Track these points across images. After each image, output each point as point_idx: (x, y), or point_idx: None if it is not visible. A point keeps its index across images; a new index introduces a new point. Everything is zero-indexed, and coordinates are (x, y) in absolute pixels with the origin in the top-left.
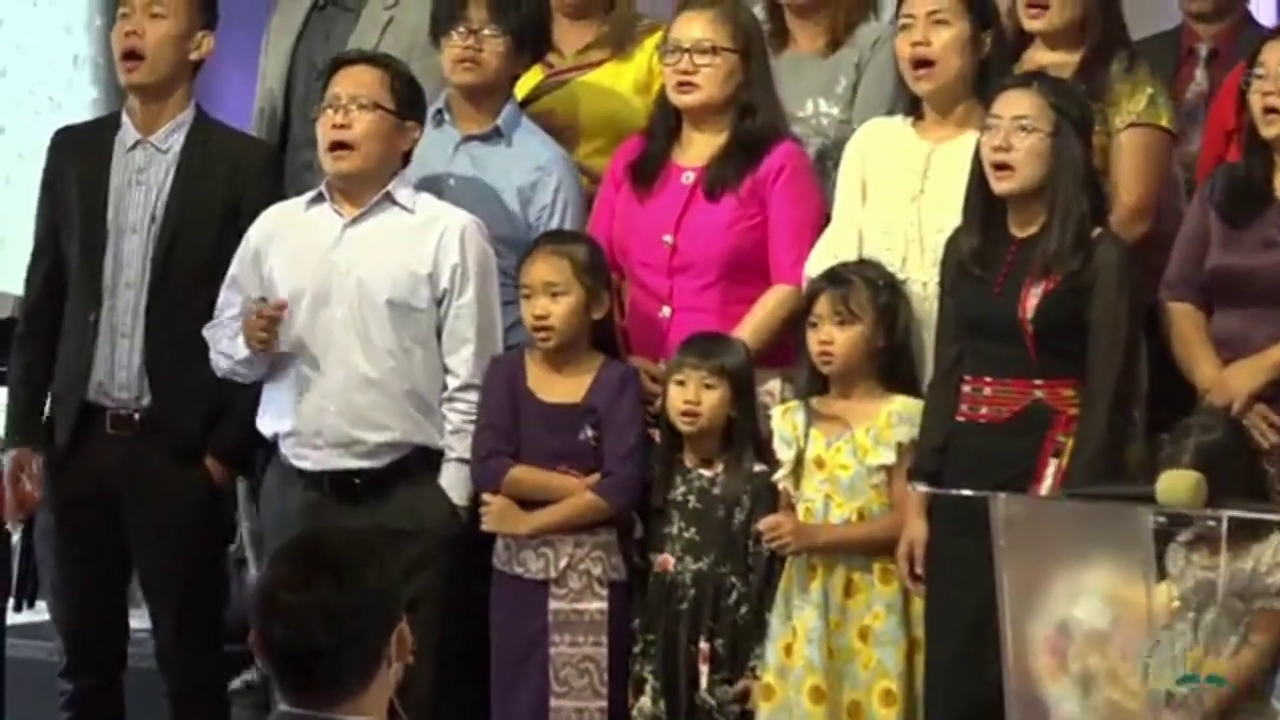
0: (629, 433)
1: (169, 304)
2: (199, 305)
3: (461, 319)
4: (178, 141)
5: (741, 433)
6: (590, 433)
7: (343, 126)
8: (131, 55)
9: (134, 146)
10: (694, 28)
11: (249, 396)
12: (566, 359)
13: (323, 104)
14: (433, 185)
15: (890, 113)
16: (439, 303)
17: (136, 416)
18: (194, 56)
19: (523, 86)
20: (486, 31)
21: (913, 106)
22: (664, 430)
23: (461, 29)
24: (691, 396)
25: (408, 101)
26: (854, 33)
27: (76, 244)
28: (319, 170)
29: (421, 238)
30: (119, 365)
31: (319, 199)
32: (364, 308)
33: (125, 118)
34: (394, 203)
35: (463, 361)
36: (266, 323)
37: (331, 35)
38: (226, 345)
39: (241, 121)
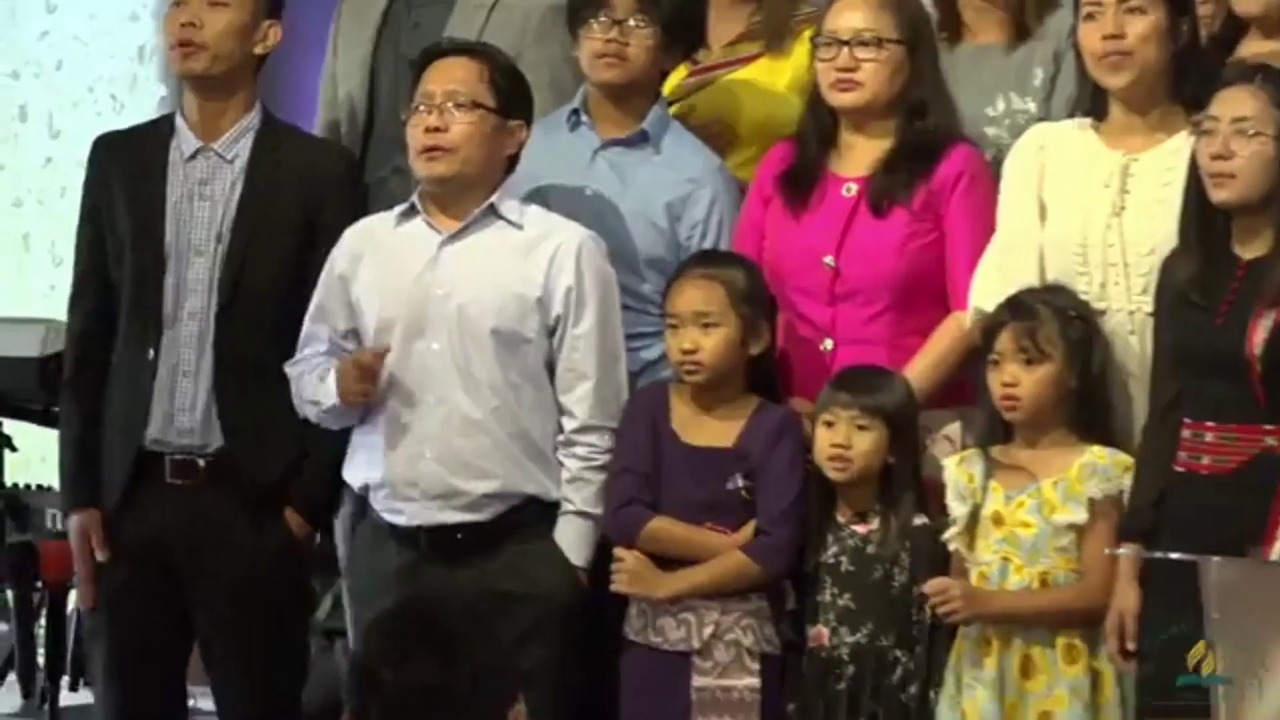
0: (787, 486)
1: (238, 335)
2: (271, 336)
3: (578, 350)
4: (244, 149)
5: (900, 481)
6: (741, 482)
7: (437, 129)
8: (187, 44)
9: (194, 155)
10: (853, 16)
11: (335, 439)
12: (717, 398)
13: (413, 103)
14: (567, 197)
15: (1068, 113)
16: (551, 332)
17: (202, 463)
18: (259, 50)
19: (666, 87)
20: (633, 22)
21: (1094, 108)
22: (814, 481)
23: (604, 18)
24: (841, 439)
25: (511, 97)
26: (1044, 22)
27: (129, 270)
28: (413, 179)
29: (530, 256)
30: (180, 407)
31: (411, 212)
32: (465, 338)
33: (180, 121)
34: (498, 216)
35: (580, 400)
36: (363, 373)
37: (422, 24)
38: (313, 389)
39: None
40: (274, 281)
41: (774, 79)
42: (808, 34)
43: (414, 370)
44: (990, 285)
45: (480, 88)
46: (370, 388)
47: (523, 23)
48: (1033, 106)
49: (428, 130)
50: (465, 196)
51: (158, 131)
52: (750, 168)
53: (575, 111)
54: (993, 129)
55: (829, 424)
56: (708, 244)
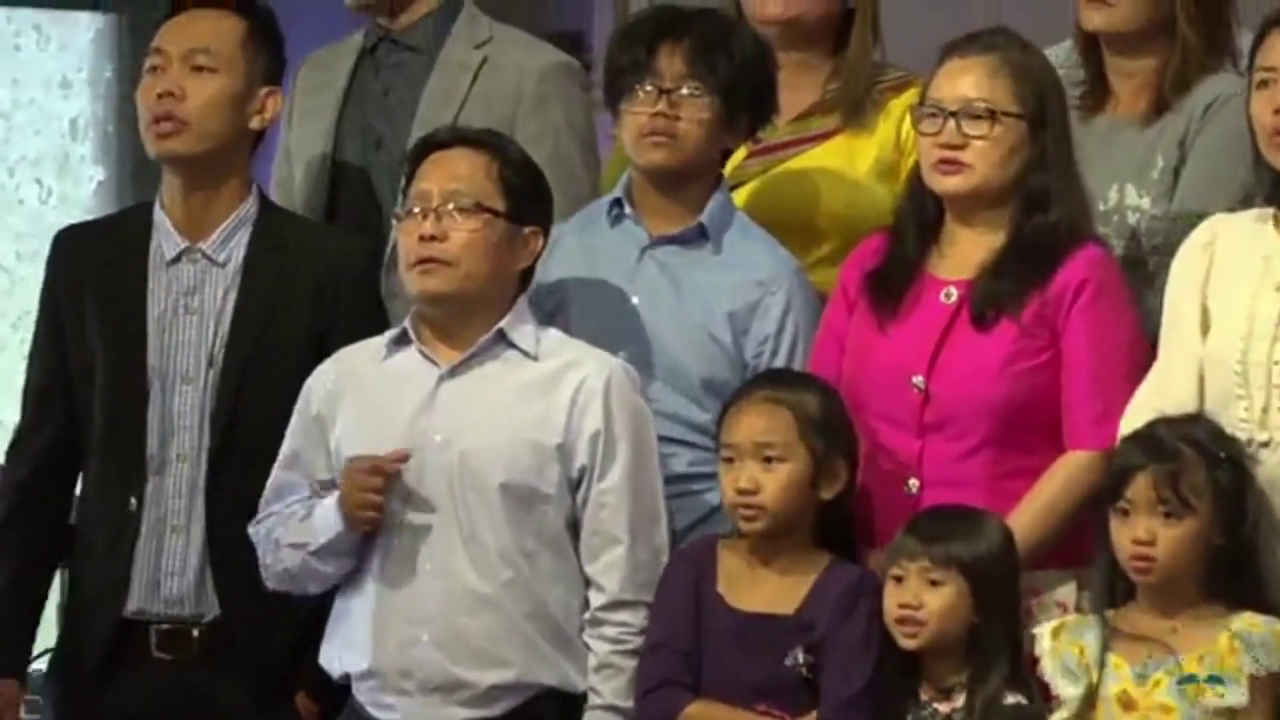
0: (859, 666)
1: (237, 481)
2: None
3: (607, 508)
4: (238, 247)
5: (988, 648)
6: (802, 658)
7: (434, 238)
8: (167, 119)
9: (178, 258)
10: (963, 83)
11: None
12: (778, 552)
13: (405, 204)
14: (607, 308)
15: (1237, 205)
16: (575, 486)
17: (195, 634)
18: (255, 124)
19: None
20: (686, 90)
21: (1274, 193)
22: (890, 650)
23: (650, 87)
24: (910, 598)
25: (526, 198)
26: (1188, 92)
27: (103, 402)
28: (392, 280)
29: (549, 394)
30: (169, 570)
31: (402, 340)
32: (469, 494)
33: (160, 214)
34: (509, 345)
35: (610, 569)
36: (381, 481)
37: (393, 90)
38: (294, 531)
39: None
40: (279, 414)
41: (854, 161)
42: (895, 103)
43: (407, 534)
44: (1142, 413)
45: (487, 186)
46: (382, 500)
47: (517, 85)
48: (1146, 203)
49: (423, 239)
50: (469, 321)
51: (132, 226)
52: (824, 268)
53: (617, 202)
54: (1100, 226)
55: (897, 579)
56: (779, 363)
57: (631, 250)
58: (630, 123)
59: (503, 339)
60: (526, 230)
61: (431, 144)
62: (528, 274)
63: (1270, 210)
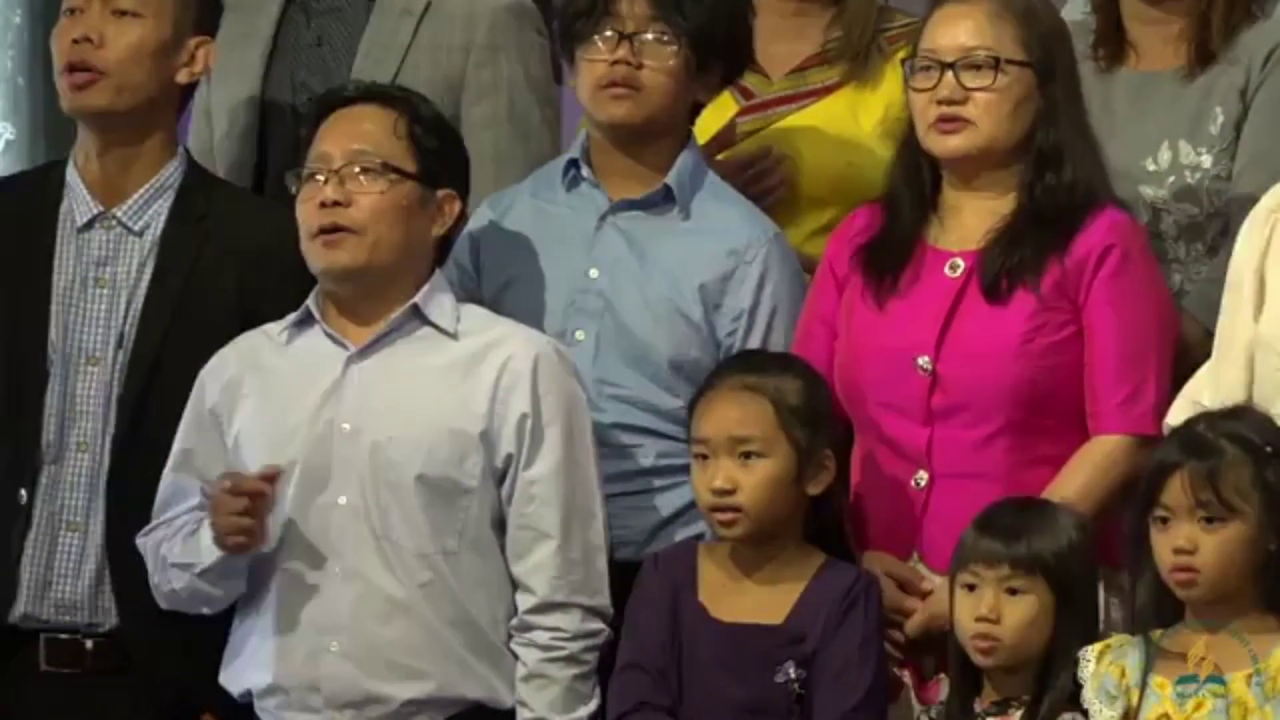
0: (856, 677)
1: (145, 475)
2: None
3: (536, 501)
4: (158, 216)
5: (1062, 662)
6: (793, 673)
7: (337, 203)
8: (82, 69)
9: (90, 224)
10: (961, 30)
11: None
12: (763, 555)
13: (305, 168)
14: (563, 281)
15: None
16: (501, 478)
17: (90, 645)
18: (183, 78)
19: (704, 128)
20: (650, 35)
21: None
22: (954, 663)
23: (610, 32)
24: (986, 611)
25: (439, 158)
26: (1235, 40)
27: None
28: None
29: (470, 376)
30: (61, 571)
31: (306, 321)
32: (381, 489)
33: (73, 175)
34: (424, 322)
35: (538, 568)
36: (248, 502)
37: (327, 39)
38: (180, 549)
39: None
40: None
41: (858, 117)
42: (902, 56)
43: (314, 534)
44: (1189, 407)
45: (395, 145)
46: (253, 523)
47: (465, 32)
48: (1207, 161)
49: (324, 205)
50: (379, 296)
51: (41, 187)
52: (822, 240)
53: (573, 163)
54: (1151, 188)
55: (969, 587)
56: (754, 341)
57: (590, 217)
58: (588, 72)
59: (417, 315)
60: (440, 194)
61: (332, 101)
62: (445, 244)
63: None
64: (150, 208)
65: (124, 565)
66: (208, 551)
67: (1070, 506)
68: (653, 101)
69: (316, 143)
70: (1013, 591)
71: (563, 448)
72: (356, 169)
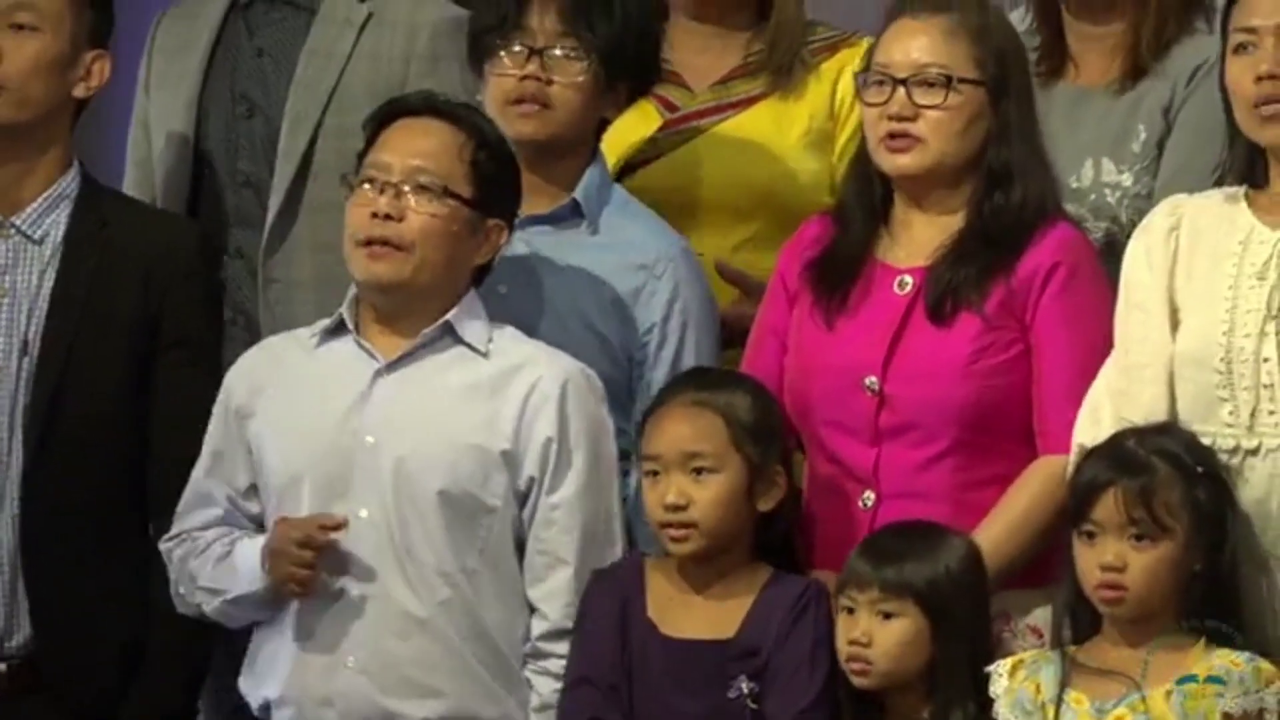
0: (805, 684)
1: (53, 485)
2: (99, 485)
3: (556, 526)
4: (58, 224)
5: (950, 686)
6: (746, 687)
7: (389, 217)
8: None
9: None
10: (915, 45)
11: (185, 630)
12: (714, 572)
13: (361, 172)
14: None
15: (1215, 181)
16: (523, 499)
17: (3, 668)
18: (79, 91)
19: (619, 141)
20: (559, 51)
21: (1249, 172)
22: (844, 686)
23: (519, 46)
24: (859, 633)
25: (495, 187)
26: (1167, 56)
27: None
28: (256, 266)
29: (497, 396)
30: None
31: (338, 329)
32: (404, 504)
33: None
34: (457, 340)
35: (555, 594)
36: (312, 555)
37: (267, 51)
38: (210, 573)
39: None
40: (102, 408)
41: (783, 129)
42: (826, 68)
43: (333, 547)
44: (1102, 419)
45: (457, 169)
46: (311, 574)
47: (408, 43)
48: (1127, 180)
49: (375, 216)
50: (414, 311)
51: None
52: (750, 252)
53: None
54: (1073, 205)
55: (848, 610)
56: (666, 355)
57: None
58: (496, 87)
59: (450, 333)
60: (490, 223)
61: (399, 108)
62: (483, 270)
63: (1242, 189)
64: (49, 216)
65: (35, 581)
66: (245, 582)
67: (962, 532)
68: (561, 118)
69: (377, 149)
70: (886, 615)
71: (586, 474)
72: (414, 185)
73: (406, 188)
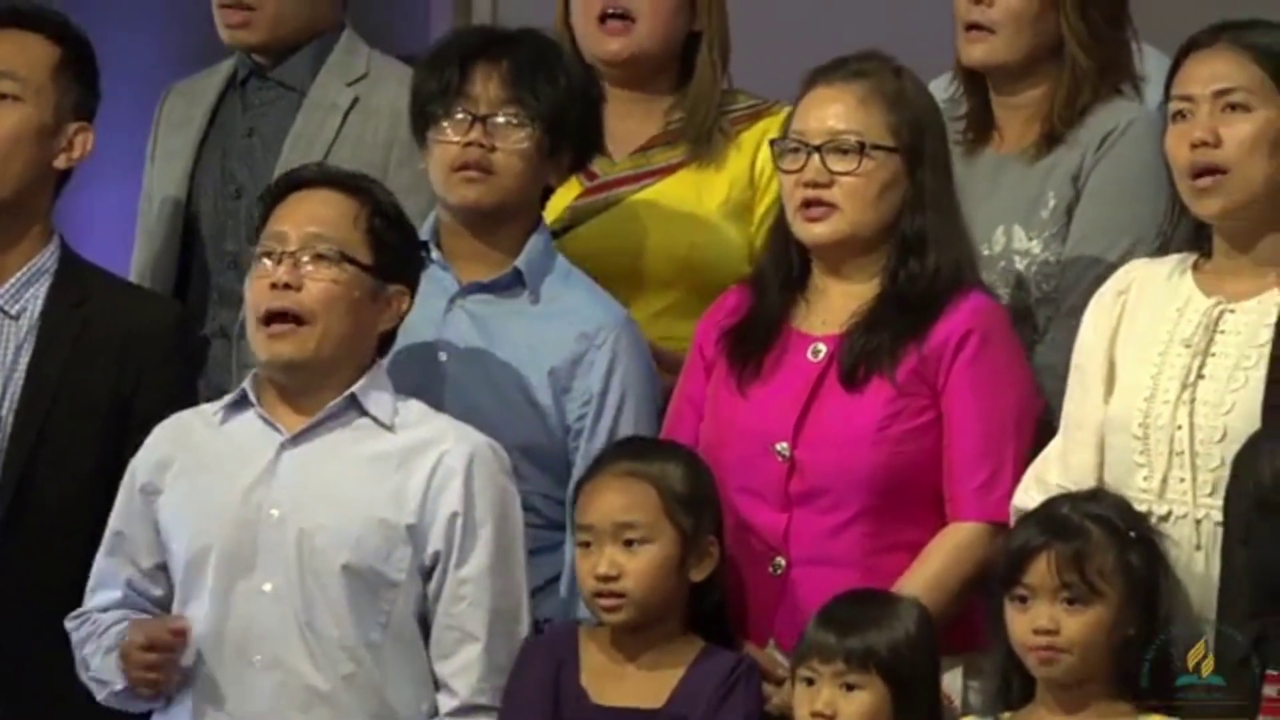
0: None
1: (21, 566)
2: (67, 567)
3: (465, 601)
4: (35, 300)
5: None
6: None
7: (287, 286)
8: None
9: None
10: (829, 113)
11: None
12: (646, 642)
13: (258, 247)
14: (410, 364)
15: (1157, 249)
16: (427, 574)
17: None
18: (61, 163)
19: (550, 208)
20: (502, 118)
21: (1195, 239)
22: None
23: (461, 114)
24: (823, 706)
25: (394, 253)
26: (1082, 123)
27: None
28: (243, 348)
29: (403, 469)
30: None
31: (242, 403)
32: (308, 577)
33: None
34: (362, 412)
35: (463, 671)
36: (155, 658)
37: (258, 131)
38: (99, 662)
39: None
40: (73, 488)
41: (702, 197)
42: (746, 137)
43: (237, 620)
44: (1046, 480)
45: (353, 236)
46: (162, 678)
47: (391, 130)
48: (1036, 247)
49: (274, 287)
50: (319, 385)
51: None
52: (669, 321)
53: (424, 245)
54: (984, 272)
55: (808, 681)
56: (603, 427)
57: (439, 300)
58: (439, 155)
59: (355, 405)
60: (392, 289)
61: (293, 182)
62: (387, 338)
63: (1193, 257)
64: (27, 291)
65: (3, 656)
66: (116, 677)
67: (912, 598)
68: (504, 185)
69: (273, 222)
70: (849, 687)
71: (495, 549)
72: (312, 254)
73: (304, 256)
